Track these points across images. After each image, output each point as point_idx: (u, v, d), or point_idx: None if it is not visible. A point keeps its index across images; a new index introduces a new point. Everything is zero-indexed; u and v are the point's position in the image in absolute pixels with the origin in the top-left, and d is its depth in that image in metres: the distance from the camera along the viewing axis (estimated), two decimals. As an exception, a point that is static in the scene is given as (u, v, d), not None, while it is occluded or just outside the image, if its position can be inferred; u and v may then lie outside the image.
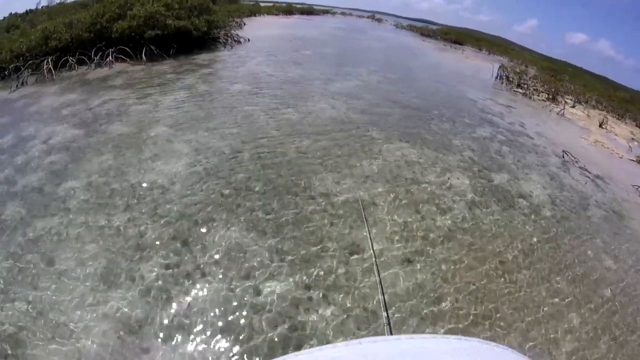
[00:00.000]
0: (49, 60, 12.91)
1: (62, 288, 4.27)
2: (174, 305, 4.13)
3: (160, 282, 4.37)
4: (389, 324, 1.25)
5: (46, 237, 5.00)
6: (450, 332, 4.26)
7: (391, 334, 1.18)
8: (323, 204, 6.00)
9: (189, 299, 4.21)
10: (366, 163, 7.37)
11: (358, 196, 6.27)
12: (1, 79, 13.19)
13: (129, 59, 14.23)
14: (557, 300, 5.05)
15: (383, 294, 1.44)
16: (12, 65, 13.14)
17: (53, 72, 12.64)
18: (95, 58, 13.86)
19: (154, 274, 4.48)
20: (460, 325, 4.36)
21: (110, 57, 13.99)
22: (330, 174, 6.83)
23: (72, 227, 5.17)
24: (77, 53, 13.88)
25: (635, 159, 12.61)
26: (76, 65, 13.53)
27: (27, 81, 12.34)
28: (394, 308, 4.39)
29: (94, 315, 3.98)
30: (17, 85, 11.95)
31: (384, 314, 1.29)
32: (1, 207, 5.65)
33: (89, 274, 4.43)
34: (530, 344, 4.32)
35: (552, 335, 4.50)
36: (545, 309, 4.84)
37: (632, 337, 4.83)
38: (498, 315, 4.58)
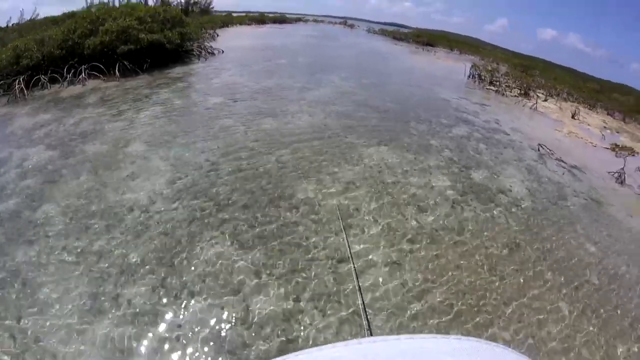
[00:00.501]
0: (21, 79, 12.50)
1: (46, 317, 4.14)
2: (163, 326, 4.04)
3: (147, 305, 4.28)
4: (369, 328, 1.27)
5: (26, 265, 4.85)
6: (437, 325, 4.30)
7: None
8: (306, 213, 6.00)
9: (177, 319, 4.14)
10: (346, 169, 7.42)
11: (336, 203, 6.29)
12: (-30, 102, 12.74)
13: (102, 76, 13.95)
14: (541, 286, 5.18)
15: (362, 300, 1.46)
16: (-19, 87, 12.70)
17: (25, 91, 12.24)
18: (68, 76, 13.50)
19: (140, 296, 4.38)
20: (446, 318, 4.41)
21: (83, 74, 13.66)
22: (312, 182, 6.84)
23: (52, 253, 5.03)
24: (50, 71, 13.48)
25: (609, 147, 12.99)
26: (48, 83, 13.16)
27: (-3, 103, 11.97)
28: (378, 310, 4.41)
29: (81, 343, 3.87)
30: (-14, 108, 11.57)
31: (364, 318, 1.32)
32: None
33: (73, 301, 4.31)
34: (516, 330, 4.40)
35: (537, 319, 4.61)
36: (530, 294, 4.97)
37: (613, 313, 5.04)
38: (483, 305, 4.65)
